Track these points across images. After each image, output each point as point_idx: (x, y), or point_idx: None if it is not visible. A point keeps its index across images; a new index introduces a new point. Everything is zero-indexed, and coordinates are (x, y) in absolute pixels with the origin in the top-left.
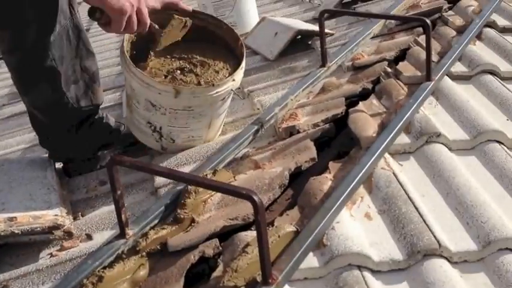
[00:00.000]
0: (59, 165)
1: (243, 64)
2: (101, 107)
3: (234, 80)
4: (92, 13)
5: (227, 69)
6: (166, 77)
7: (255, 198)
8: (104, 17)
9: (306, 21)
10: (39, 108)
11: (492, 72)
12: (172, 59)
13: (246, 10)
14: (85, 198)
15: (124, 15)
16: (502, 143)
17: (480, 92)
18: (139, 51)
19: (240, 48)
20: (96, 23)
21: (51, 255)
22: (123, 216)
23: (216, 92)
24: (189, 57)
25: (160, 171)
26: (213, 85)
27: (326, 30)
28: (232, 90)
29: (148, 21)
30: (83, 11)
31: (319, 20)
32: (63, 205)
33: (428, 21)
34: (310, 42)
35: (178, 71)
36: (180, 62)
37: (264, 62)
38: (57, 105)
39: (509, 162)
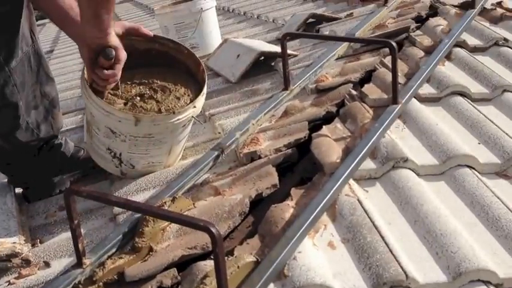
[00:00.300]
0: (18, 190)
1: (205, 90)
2: (62, 130)
3: (195, 106)
4: (108, 53)
5: (188, 95)
6: (126, 103)
7: (213, 230)
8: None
9: (270, 42)
10: (0, 134)
11: (462, 94)
12: (133, 85)
13: (209, 31)
14: (44, 224)
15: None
16: (473, 168)
17: (450, 115)
18: None
19: (201, 74)
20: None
21: (9, 283)
22: (80, 245)
23: (177, 119)
24: (149, 82)
25: (117, 201)
26: (174, 113)
27: (290, 51)
28: (193, 116)
29: None
30: (43, 35)
31: (281, 43)
32: (22, 232)
33: (393, 43)
34: (273, 64)
35: (138, 98)
36: (141, 87)
37: (225, 84)
38: (18, 131)
39: (480, 188)
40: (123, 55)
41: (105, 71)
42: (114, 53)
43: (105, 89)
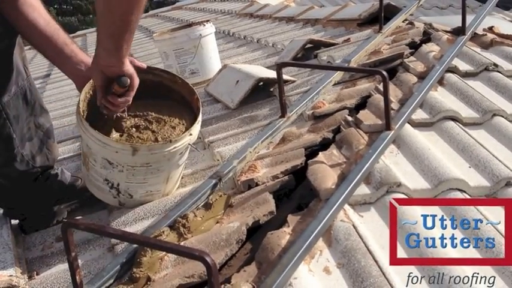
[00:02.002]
0: (14, 221)
1: (200, 118)
2: (59, 158)
3: (191, 134)
4: (124, 82)
5: (183, 124)
6: (121, 135)
7: (208, 259)
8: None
9: (269, 67)
10: None
11: (454, 118)
12: (127, 117)
13: (208, 57)
14: (41, 255)
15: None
16: (464, 191)
17: (442, 139)
18: (95, 110)
19: (196, 102)
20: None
21: None
22: (77, 277)
23: (174, 148)
24: (144, 115)
25: (114, 233)
26: (171, 141)
27: (287, 77)
28: (189, 144)
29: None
30: (39, 59)
31: (277, 71)
32: (18, 264)
33: (384, 73)
34: (272, 89)
35: (134, 129)
36: (135, 119)
37: (224, 110)
38: (13, 163)
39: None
40: (136, 82)
41: (119, 99)
42: (129, 81)
43: (114, 113)
